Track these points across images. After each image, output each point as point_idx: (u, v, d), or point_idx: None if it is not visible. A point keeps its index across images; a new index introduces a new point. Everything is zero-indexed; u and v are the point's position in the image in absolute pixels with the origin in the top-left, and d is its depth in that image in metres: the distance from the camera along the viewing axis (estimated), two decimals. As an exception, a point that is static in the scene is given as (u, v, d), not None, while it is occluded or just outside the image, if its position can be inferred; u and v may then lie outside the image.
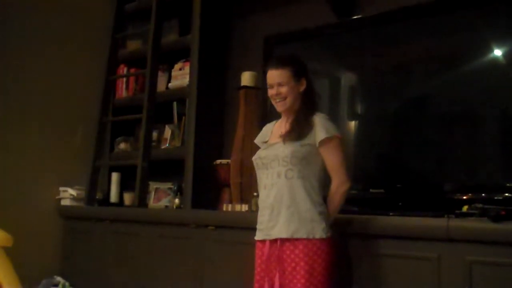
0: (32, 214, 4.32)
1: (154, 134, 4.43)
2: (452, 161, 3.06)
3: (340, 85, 3.59)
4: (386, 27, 3.34)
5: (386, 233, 2.69)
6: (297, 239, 2.54)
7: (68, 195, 4.47)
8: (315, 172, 2.63)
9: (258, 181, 2.76)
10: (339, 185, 2.63)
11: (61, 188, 4.52)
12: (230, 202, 3.66)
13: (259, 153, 2.76)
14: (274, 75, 2.68)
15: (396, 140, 3.30)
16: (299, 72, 2.69)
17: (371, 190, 3.26)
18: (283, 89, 2.66)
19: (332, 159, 2.62)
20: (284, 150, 2.61)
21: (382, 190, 3.21)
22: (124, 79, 4.72)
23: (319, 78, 3.59)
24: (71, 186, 4.50)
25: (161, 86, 4.42)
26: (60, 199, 4.52)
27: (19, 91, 4.34)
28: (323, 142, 2.60)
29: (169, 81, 4.44)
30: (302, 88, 2.70)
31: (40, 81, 4.45)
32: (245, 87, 3.72)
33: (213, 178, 3.84)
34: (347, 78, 3.60)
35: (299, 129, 2.64)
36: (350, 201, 2.87)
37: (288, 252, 2.55)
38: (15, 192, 4.23)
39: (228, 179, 3.69)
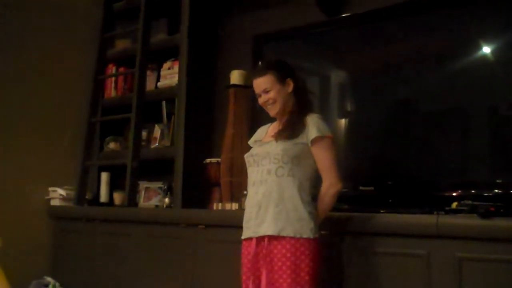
0: (21, 215, 4.29)
1: (144, 134, 4.42)
2: (442, 158, 3.07)
3: (330, 83, 3.60)
4: (375, 25, 3.35)
5: (376, 231, 2.70)
6: (284, 237, 2.53)
7: (58, 195, 4.45)
8: (306, 171, 2.63)
9: (248, 178, 2.75)
10: (329, 187, 2.62)
11: (50, 188, 4.50)
12: (220, 201, 3.66)
13: (252, 150, 2.78)
14: (258, 83, 2.72)
15: (386, 137, 3.30)
16: (282, 74, 2.71)
17: (361, 188, 3.26)
18: (270, 94, 2.69)
19: (323, 159, 2.62)
20: (276, 147, 2.62)
21: (372, 188, 3.22)
22: (113, 79, 4.70)
23: (309, 76, 3.59)
24: (61, 186, 4.48)
25: (150, 85, 4.41)
26: (49, 199, 4.50)
27: (7, 92, 4.32)
28: (314, 141, 2.60)
29: (158, 80, 4.43)
30: (290, 88, 2.72)
31: (29, 81, 4.42)
32: (235, 85, 3.72)
33: (203, 177, 3.84)
34: (337, 76, 3.61)
35: (291, 128, 2.65)
36: (340, 199, 2.88)
37: (275, 250, 2.55)
38: (4, 192, 4.20)
39: (218, 177, 3.69)
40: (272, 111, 2.73)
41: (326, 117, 3.39)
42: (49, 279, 4.20)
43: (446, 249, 2.49)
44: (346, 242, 2.79)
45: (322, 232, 2.66)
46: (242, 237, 2.71)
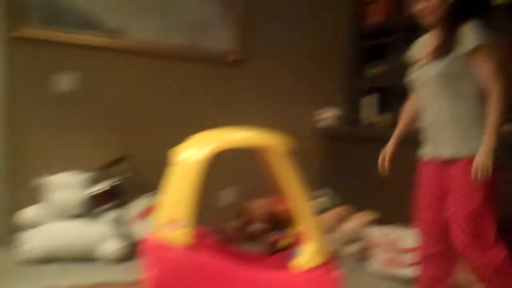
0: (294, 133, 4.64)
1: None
2: None
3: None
4: None
5: None
6: (460, 158, 2.46)
7: (327, 116, 4.74)
8: (471, 86, 2.45)
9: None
10: (490, 95, 2.38)
11: (318, 111, 4.81)
12: None
13: (413, 73, 2.66)
14: None
15: None
16: None
17: None
18: (431, 2, 2.48)
19: (481, 69, 2.40)
20: (434, 70, 2.49)
21: None
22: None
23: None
24: (328, 109, 4.78)
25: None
26: (319, 121, 4.80)
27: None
28: (470, 53, 2.40)
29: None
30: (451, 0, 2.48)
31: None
32: None
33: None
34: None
35: (446, 44, 2.46)
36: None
37: (450, 171, 2.49)
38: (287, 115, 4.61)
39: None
40: (427, 20, 2.53)
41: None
42: (327, 190, 4.55)
43: None
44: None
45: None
46: (422, 156, 2.70)
